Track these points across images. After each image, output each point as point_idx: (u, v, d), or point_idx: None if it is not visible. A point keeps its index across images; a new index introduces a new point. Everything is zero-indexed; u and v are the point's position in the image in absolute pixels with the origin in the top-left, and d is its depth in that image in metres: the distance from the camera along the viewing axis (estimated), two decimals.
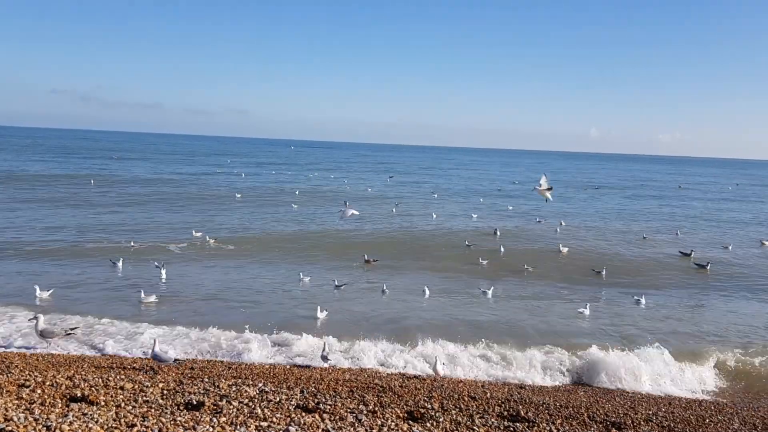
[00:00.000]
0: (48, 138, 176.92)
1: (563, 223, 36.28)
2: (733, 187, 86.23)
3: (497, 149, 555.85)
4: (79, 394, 7.91)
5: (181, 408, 7.74)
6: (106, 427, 6.47)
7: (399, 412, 8.70)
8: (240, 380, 10.00)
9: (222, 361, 12.93)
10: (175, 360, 11.42)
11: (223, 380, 9.82)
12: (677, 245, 31.17)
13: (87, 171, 60.58)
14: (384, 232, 32.38)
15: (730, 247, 31.33)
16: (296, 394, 9.08)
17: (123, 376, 9.49)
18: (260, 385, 9.60)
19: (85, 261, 22.67)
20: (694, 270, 26.25)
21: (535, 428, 8.52)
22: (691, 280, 24.48)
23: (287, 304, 18.39)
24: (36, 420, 6.52)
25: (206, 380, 9.76)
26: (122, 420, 6.84)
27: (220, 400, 8.18)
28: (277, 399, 8.61)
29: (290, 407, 8.25)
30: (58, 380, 8.75)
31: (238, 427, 6.95)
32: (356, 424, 7.69)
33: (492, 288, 20.26)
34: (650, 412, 10.29)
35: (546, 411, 9.72)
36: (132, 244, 25.51)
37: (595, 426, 9.09)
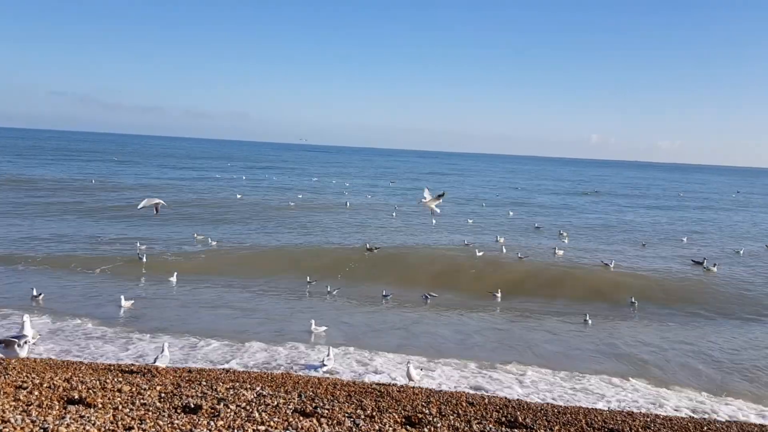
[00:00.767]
0: (48, 140, 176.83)
1: (565, 235, 34.84)
2: (735, 194, 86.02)
3: (497, 155, 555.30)
4: (76, 396, 7.89)
5: (179, 411, 7.72)
6: (103, 429, 6.45)
7: (397, 417, 8.69)
8: (238, 384, 9.99)
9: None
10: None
11: (220, 383, 9.81)
12: (684, 253, 30.83)
13: (88, 175, 60.25)
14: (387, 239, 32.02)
15: (742, 252, 31.08)
16: (294, 398, 9.06)
17: (120, 379, 9.47)
18: (258, 388, 9.58)
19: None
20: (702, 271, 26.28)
21: None
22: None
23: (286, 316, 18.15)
24: (33, 422, 6.51)
25: (204, 383, 9.74)
26: (119, 423, 6.83)
27: (218, 404, 8.16)
28: (275, 403, 8.60)
29: (288, 411, 8.24)
30: (55, 382, 8.73)
31: (236, 430, 6.94)
32: (354, 429, 7.68)
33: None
34: (648, 419, 10.28)
35: (544, 417, 9.71)
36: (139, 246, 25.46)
37: None
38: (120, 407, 7.54)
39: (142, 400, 8.02)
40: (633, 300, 20.90)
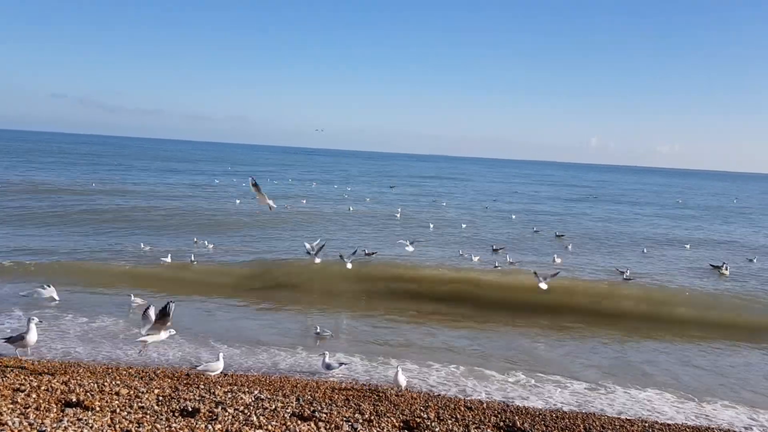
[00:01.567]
0: (49, 143, 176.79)
1: (570, 248, 32.57)
2: (735, 201, 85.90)
3: (496, 159, 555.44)
4: (74, 399, 7.89)
5: (177, 414, 7.72)
6: None
7: (395, 421, 8.69)
8: (236, 387, 9.98)
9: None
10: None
11: (218, 387, 9.80)
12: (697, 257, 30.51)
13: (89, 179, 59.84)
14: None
15: (755, 260, 30.70)
16: (292, 402, 9.06)
17: (118, 382, 9.47)
18: (256, 392, 9.58)
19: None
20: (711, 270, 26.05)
21: None
22: None
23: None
24: (31, 425, 6.51)
25: (202, 387, 9.74)
26: (117, 426, 6.83)
27: (216, 407, 8.16)
28: (273, 407, 8.60)
29: (286, 415, 8.24)
30: (53, 385, 8.73)
31: None
32: None
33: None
34: (647, 425, 10.28)
35: (542, 422, 9.71)
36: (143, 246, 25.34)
37: None
38: (118, 410, 7.54)
39: (140, 403, 8.02)
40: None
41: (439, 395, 11.42)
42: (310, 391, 10.58)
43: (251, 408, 8.37)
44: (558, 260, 26.86)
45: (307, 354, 14.02)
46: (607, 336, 17.38)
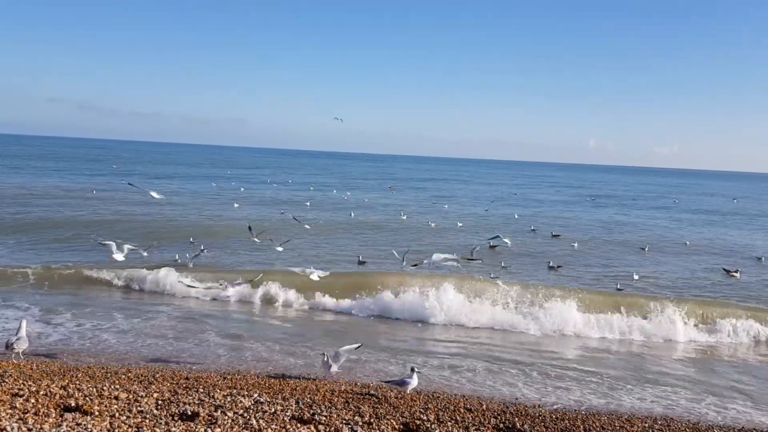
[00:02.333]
0: (47, 147, 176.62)
1: (576, 245, 33.00)
2: (735, 201, 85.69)
3: (494, 160, 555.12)
4: (73, 404, 7.88)
5: (176, 418, 7.72)
6: None
7: (395, 423, 8.69)
8: (235, 391, 9.97)
9: (217, 371, 12.87)
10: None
11: (218, 390, 9.79)
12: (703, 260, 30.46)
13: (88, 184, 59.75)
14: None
15: (763, 259, 30.63)
16: (291, 405, 9.05)
17: (117, 386, 9.46)
18: (255, 395, 9.57)
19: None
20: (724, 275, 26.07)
21: None
22: None
23: None
24: (29, 430, 6.51)
25: (201, 390, 9.73)
26: (116, 430, 6.83)
27: (215, 411, 8.15)
28: (273, 410, 8.59)
29: (285, 418, 8.23)
30: (52, 389, 8.72)
31: None
32: None
33: None
34: (646, 425, 10.27)
35: (542, 423, 9.70)
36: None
37: None
38: (117, 415, 7.54)
39: (139, 408, 8.01)
40: None
41: (439, 397, 11.41)
42: (309, 393, 10.56)
43: (251, 411, 8.36)
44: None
45: (307, 354, 14.05)
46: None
